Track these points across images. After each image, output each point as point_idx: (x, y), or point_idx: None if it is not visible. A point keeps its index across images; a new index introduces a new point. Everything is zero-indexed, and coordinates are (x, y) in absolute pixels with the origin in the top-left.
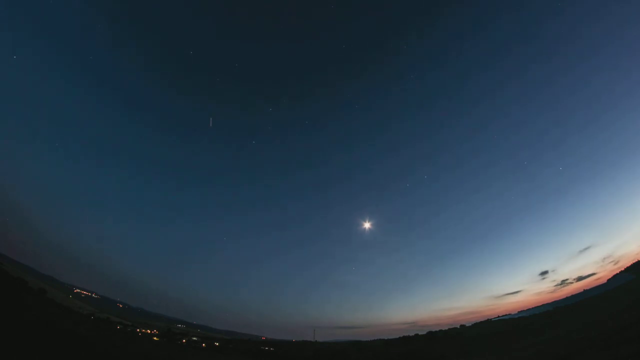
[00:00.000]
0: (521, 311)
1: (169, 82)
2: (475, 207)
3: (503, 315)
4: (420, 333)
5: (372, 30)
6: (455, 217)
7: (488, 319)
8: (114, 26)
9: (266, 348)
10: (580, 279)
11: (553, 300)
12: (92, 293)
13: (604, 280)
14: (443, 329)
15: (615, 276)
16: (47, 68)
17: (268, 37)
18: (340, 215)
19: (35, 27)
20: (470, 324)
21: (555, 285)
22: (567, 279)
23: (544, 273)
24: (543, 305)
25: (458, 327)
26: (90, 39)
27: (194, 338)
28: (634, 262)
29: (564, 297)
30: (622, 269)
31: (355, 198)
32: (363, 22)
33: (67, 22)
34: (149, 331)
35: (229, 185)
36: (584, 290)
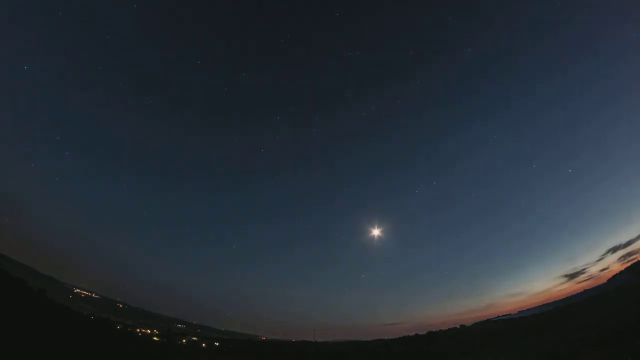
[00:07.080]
0: (521, 311)
1: (176, 90)
2: (481, 210)
3: (503, 315)
4: (420, 333)
5: (377, 32)
6: (458, 219)
7: (488, 319)
8: (120, 36)
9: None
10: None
11: (553, 300)
12: (92, 293)
13: (604, 280)
14: (443, 329)
15: (615, 276)
16: (54, 75)
17: (274, 42)
18: (347, 219)
19: (45, 37)
20: (470, 324)
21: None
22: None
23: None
24: (543, 305)
25: (458, 327)
26: (98, 49)
27: (194, 338)
28: (634, 262)
29: (564, 297)
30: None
31: (363, 203)
32: (370, 25)
33: (74, 33)
34: (148, 331)
35: (234, 189)
36: (584, 290)
